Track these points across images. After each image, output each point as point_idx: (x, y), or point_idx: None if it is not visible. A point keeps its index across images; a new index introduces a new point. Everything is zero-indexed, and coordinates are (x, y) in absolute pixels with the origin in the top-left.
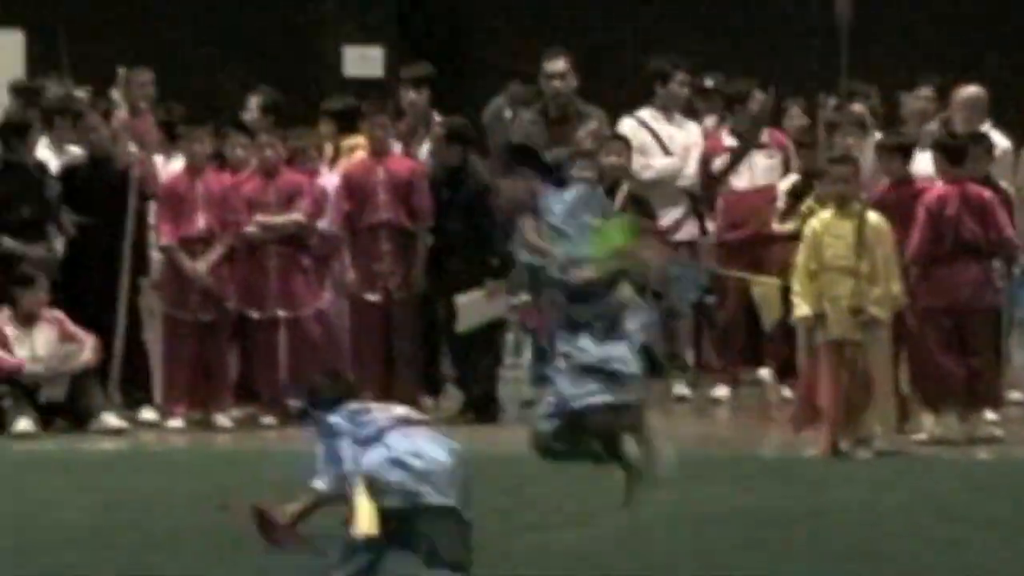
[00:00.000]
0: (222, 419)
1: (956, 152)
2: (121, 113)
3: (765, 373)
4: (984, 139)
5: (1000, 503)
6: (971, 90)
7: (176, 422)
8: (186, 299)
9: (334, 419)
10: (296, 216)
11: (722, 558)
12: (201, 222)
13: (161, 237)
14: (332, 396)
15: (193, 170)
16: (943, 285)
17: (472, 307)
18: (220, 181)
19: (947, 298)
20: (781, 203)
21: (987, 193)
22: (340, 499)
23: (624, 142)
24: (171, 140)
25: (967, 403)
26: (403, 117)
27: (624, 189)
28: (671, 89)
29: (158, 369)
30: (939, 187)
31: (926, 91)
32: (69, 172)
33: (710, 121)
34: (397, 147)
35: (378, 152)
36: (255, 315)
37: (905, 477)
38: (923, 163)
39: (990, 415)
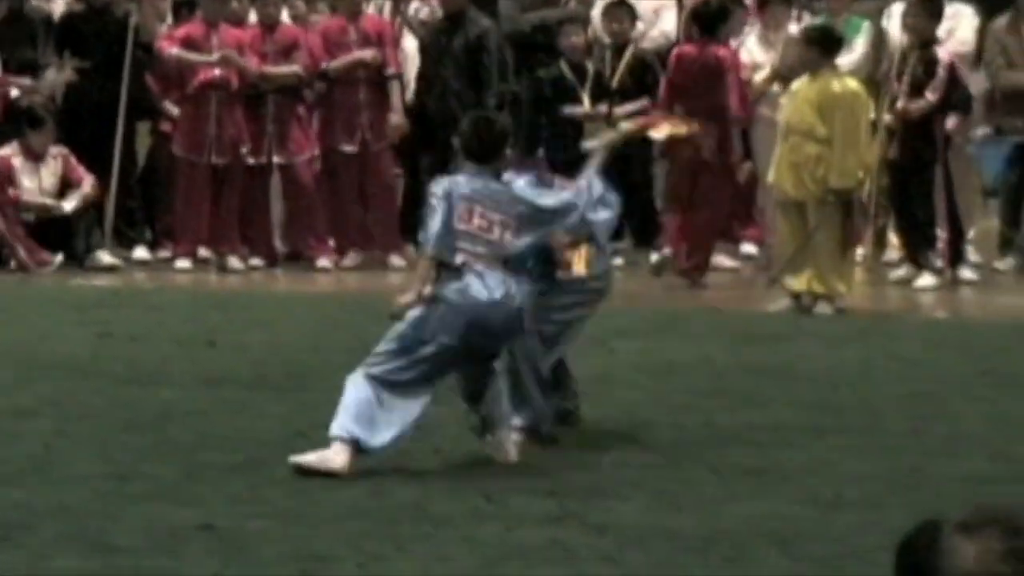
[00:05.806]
0: (234, 261)
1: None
2: None
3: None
4: None
5: (956, 360)
6: None
7: (185, 263)
8: (201, 143)
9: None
10: (294, 67)
11: (682, 405)
12: (216, 71)
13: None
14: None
15: (211, 22)
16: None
17: None
18: (234, 34)
19: None
20: None
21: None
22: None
23: (627, 8)
24: None
25: None
26: None
27: (628, 55)
28: None
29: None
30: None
31: None
32: (69, 18)
33: None
34: (371, 8)
35: (352, 14)
36: (251, 160)
37: (866, 334)
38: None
39: None
